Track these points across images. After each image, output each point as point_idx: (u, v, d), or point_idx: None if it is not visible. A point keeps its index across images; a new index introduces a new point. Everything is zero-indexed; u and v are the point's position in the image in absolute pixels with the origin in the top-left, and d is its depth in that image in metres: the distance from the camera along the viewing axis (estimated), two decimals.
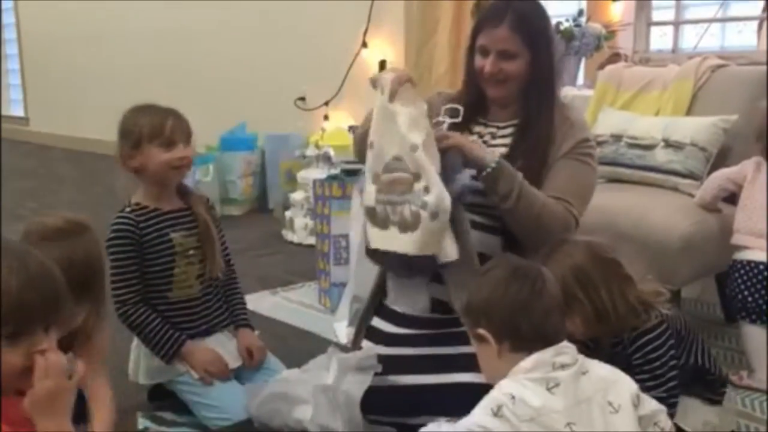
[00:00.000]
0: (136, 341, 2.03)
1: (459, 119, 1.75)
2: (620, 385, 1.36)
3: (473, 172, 1.70)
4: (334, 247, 2.88)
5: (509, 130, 1.90)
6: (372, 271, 2.00)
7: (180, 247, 1.98)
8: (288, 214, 4.06)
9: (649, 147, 2.61)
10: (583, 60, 3.66)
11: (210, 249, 2.02)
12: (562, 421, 1.27)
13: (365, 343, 1.96)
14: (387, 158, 1.68)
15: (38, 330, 1.11)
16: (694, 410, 1.73)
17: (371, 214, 1.71)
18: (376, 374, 1.81)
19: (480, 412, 1.29)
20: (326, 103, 4.77)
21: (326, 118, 4.77)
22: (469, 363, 1.74)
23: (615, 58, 3.54)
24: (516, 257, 1.51)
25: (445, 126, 1.73)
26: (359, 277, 2.48)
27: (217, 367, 1.98)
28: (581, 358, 1.36)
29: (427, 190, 1.62)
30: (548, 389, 1.29)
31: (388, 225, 1.69)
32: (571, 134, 1.83)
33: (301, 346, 2.47)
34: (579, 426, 1.27)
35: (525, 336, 1.34)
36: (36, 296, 1.09)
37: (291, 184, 4.34)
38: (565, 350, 1.34)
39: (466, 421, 1.31)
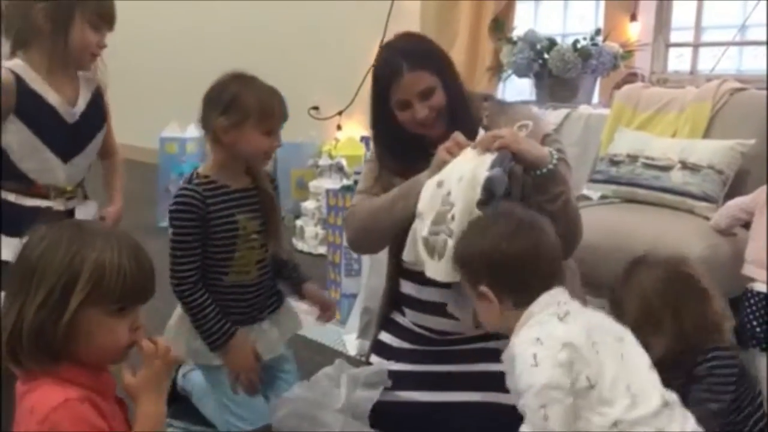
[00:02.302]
0: (174, 320, 1.95)
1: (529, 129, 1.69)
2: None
3: (499, 171, 1.58)
4: (345, 258, 2.88)
5: None
6: (383, 283, 2.00)
7: (244, 230, 1.88)
8: (299, 222, 4.06)
9: (666, 168, 2.60)
10: (599, 79, 3.66)
11: (274, 226, 1.95)
12: (586, 340, 1.28)
13: (373, 358, 1.95)
14: (444, 193, 1.65)
15: (138, 307, 1.17)
16: None
17: (425, 243, 1.67)
18: (386, 389, 1.80)
19: (522, 374, 1.28)
20: (340, 113, 4.78)
21: (339, 128, 4.78)
22: (480, 382, 1.74)
23: (631, 77, 3.54)
24: (518, 206, 1.51)
25: (524, 132, 1.66)
26: (370, 290, 2.48)
27: (249, 378, 1.92)
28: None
29: (453, 217, 1.59)
30: (561, 320, 1.32)
31: (434, 254, 1.66)
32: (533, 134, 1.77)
33: (310, 357, 2.46)
34: (599, 342, 1.29)
35: (529, 293, 1.36)
36: (140, 273, 1.14)
37: (302, 192, 4.34)
38: (562, 294, 1.38)
39: (524, 399, 1.28)
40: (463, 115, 1.80)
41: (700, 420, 1.52)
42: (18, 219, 1.61)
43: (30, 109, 1.70)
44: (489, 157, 1.58)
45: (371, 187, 1.89)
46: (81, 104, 1.79)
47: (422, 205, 1.66)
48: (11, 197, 1.73)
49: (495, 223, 1.43)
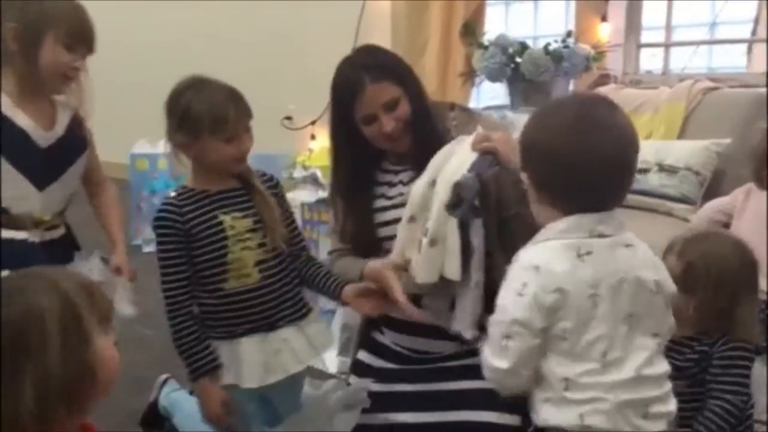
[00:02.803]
0: None
1: None
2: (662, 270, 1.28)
3: (470, 177, 1.51)
4: None
5: (409, 166, 1.79)
6: None
7: (232, 230, 1.74)
8: None
9: (643, 171, 2.59)
10: (572, 81, 3.65)
11: (268, 220, 1.78)
12: (587, 290, 1.18)
13: (353, 379, 1.90)
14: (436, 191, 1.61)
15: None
16: None
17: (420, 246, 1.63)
18: (368, 412, 1.75)
19: (507, 294, 1.22)
20: (313, 123, 4.72)
21: (313, 137, 4.72)
22: (465, 400, 1.70)
23: (604, 79, 3.54)
24: (599, 100, 1.31)
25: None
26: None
27: (219, 420, 1.77)
28: (629, 234, 1.24)
29: (428, 216, 1.56)
30: (578, 256, 1.19)
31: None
32: None
33: None
34: (604, 298, 1.19)
35: (570, 200, 1.21)
36: (95, 288, 1.11)
37: None
38: (608, 220, 1.22)
39: (494, 317, 1.24)
40: (428, 127, 1.75)
41: (716, 415, 1.55)
42: None
43: (1, 133, 1.61)
44: (472, 156, 1.53)
45: (344, 223, 1.85)
46: (58, 129, 1.69)
47: (413, 208, 1.60)
48: None
49: (557, 109, 1.27)
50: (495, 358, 1.23)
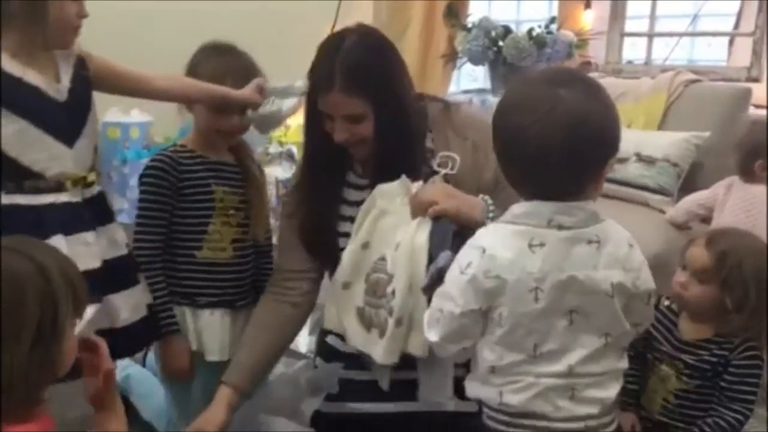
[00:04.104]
0: None
1: (455, 170, 1.54)
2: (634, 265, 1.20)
3: (448, 255, 1.39)
4: None
5: (368, 180, 1.69)
6: (328, 282, 1.91)
7: (220, 203, 1.75)
8: None
9: (622, 160, 2.58)
10: None
11: (258, 208, 1.81)
12: (530, 283, 1.13)
13: (319, 361, 1.87)
14: (375, 257, 1.54)
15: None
16: None
17: (360, 313, 1.57)
18: (334, 400, 1.72)
19: (452, 269, 1.21)
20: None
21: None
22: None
23: (586, 66, 3.53)
24: (582, 79, 1.18)
25: (438, 178, 1.52)
26: (321, 285, 2.40)
27: (179, 374, 1.78)
28: (602, 227, 1.17)
29: (393, 293, 1.47)
30: (530, 246, 1.13)
31: (371, 329, 1.55)
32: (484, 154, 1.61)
33: None
34: (547, 294, 1.14)
35: (524, 180, 1.15)
36: (78, 275, 1.10)
37: None
38: (570, 211, 1.14)
39: (439, 288, 1.23)
40: (399, 145, 1.59)
41: (729, 425, 1.56)
42: (35, 222, 1.47)
43: (13, 94, 1.49)
44: (426, 224, 1.44)
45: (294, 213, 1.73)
46: (65, 80, 1.56)
47: (347, 275, 1.55)
48: (20, 200, 1.51)
49: (522, 88, 1.19)
50: (429, 329, 1.23)
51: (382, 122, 1.56)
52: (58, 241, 1.47)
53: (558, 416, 1.17)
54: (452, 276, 1.19)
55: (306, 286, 1.74)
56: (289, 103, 1.70)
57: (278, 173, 3.60)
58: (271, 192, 3.70)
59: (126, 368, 2.03)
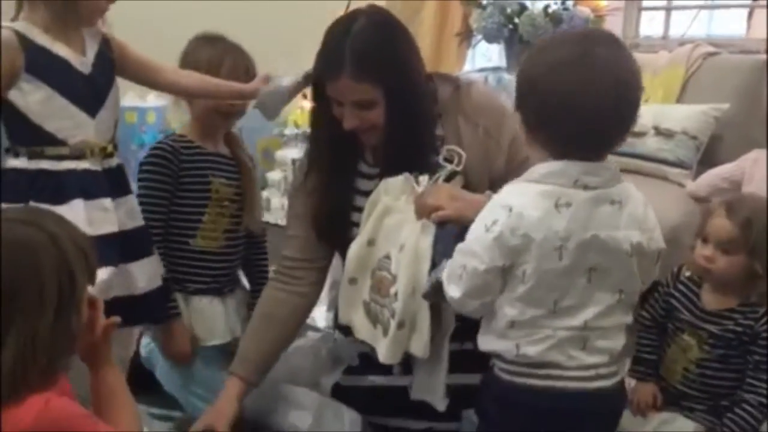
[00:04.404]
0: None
1: (461, 167, 1.50)
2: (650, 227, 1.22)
3: None
4: None
5: (378, 169, 1.66)
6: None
7: (216, 194, 1.82)
8: (265, 194, 3.97)
9: (640, 134, 2.57)
10: None
11: (251, 200, 1.88)
12: (556, 242, 1.14)
13: (338, 335, 1.88)
14: (381, 255, 1.53)
15: None
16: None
17: (367, 308, 1.58)
18: (353, 373, 1.73)
19: (476, 225, 1.20)
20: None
21: (305, 96, 4.65)
22: (451, 364, 1.66)
23: None
24: (600, 35, 1.22)
25: (441, 177, 1.49)
26: (339, 261, 2.41)
27: (181, 358, 1.84)
28: (622, 187, 1.18)
29: (396, 296, 1.47)
30: (556, 206, 1.14)
31: (377, 325, 1.56)
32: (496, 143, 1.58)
33: None
34: (570, 253, 1.15)
35: (557, 138, 1.14)
36: (88, 242, 1.11)
37: (268, 163, 4.24)
38: (597, 171, 1.15)
39: (461, 245, 1.23)
40: (410, 133, 1.55)
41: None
42: (56, 186, 1.52)
43: (42, 64, 1.54)
44: (430, 228, 1.43)
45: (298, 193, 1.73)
46: (90, 55, 1.62)
47: (353, 270, 1.54)
48: (44, 164, 1.56)
49: (561, 44, 1.17)
50: (450, 285, 1.24)
51: (393, 108, 1.52)
52: (76, 205, 1.52)
53: (571, 365, 1.20)
54: (477, 233, 1.20)
55: (314, 276, 1.73)
56: (288, 80, 1.71)
57: (294, 154, 3.61)
58: (287, 173, 3.71)
59: (149, 343, 2.05)
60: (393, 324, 1.47)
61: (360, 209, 1.61)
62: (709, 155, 2.47)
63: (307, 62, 1.69)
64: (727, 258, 1.61)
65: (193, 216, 1.81)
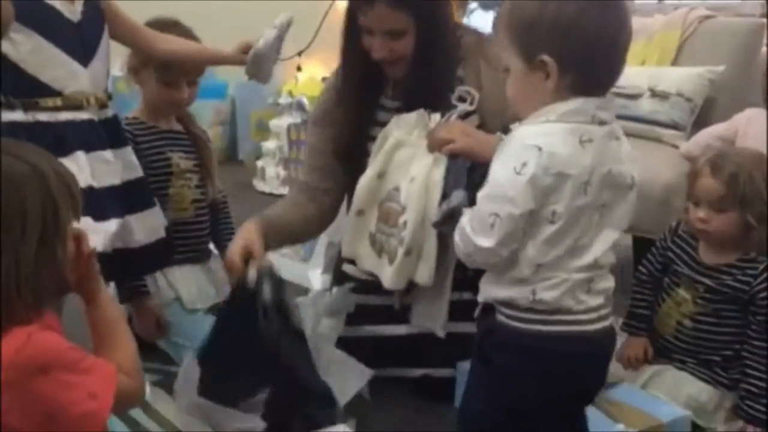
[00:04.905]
0: None
1: (473, 106, 1.53)
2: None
3: (462, 195, 1.40)
4: None
5: (399, 103, 1.73)
6: (346, 217, 1.94)
7: (177, 168, 1.92)
8: (259, 163, 3.97)
9: (635, 96, 2.57)
10: None
11: (209, 170, 2.00)
12: (584, 177, 1.15)
13: (334, 288, 1.90)
14: (390, 187, 1.58)
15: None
16: (682, 382, 1.72)
17: (372, 239, 1.62)
18: (353, 324, 1.75)
19: (502, 169, 1.16)
20: (299, 54, 4.62)
21: (299, 68, 4.60)
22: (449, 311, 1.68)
23: None
24: None
25: (454, 115, 1.52)
26: (334, 224, 2.42)
27: (149, 336, 1.89)
28: (617, 125, 1.22)
29: (405, 225, 1.52)
30: (581, 142, 1.15)
31: (382, 254, 1.60)
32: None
33: None
34: (593, 187, 1.17)
35: (591, 79, 1.16)
36: (71, 176, 1.11)
37: (262, 134, 4.23)
38: (607, 105, 1.19)
39: (485, 190, 1.19)
40: (434, 68, 1.63)
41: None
42: (55, 138, 1.51)
43: (32, 13, 1.52)
44: (442, 160, 1.47)
45: (322, 119, 1.80)
46: (78, 5, 1.60)
47: (361, 202, 1.60)
48: (41, 116, 1.54)
49: None
50: (479, 236, 1.18)
51: (421, 40, 1.60)
52: (78, 158, 1.52)
53: (579, 309, 1.20)
54: (505, 177, 1.15)
55: (329, 202, 1.82)
56: (267, 36, 1.73)
57: (289, 122, 3.60)
58: (283, 141, 3.71)
59: None
60: (401, 251, 1.51)
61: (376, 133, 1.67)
62: (704, 117, 2.47)
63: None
64: (722, 216, 1.63)
65: (159, 192, 1.87)
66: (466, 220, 1.23)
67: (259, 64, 1.76)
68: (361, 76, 1.71)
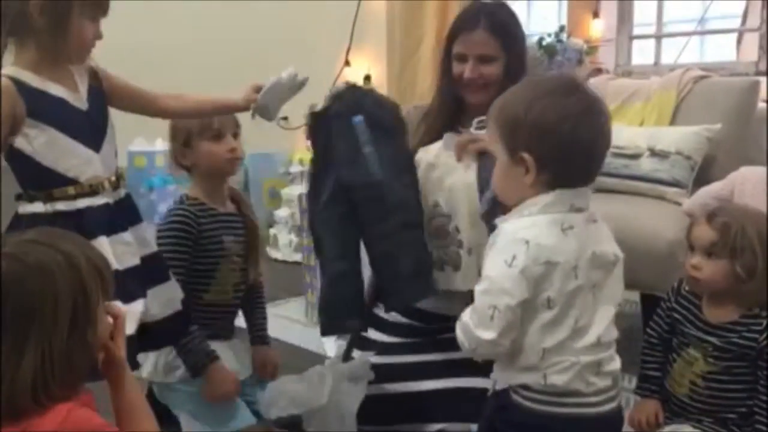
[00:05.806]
0: None
1: None
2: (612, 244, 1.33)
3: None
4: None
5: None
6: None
7: (227, 252, 1.93)
8: (272, 231, 4.03)
9: (635, 156, 2.62)
10: None
11: (254, 255, 2.01)
12: (572, 262, 1.24)
13: (356, 353, 1.94)
14: (430, 205, 1.73)
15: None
16: None
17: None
18: (369, 383, 1.78)
19: (495, 265, 1.24)
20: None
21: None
22: (461, 368, 1.72)
23: (597, 72, 3.58)
24: (584, 83, 1.45)
25: (473, 128, 1.71)
26: None
27: (227, 397, 1.89)
28: (592, 209, 1.30)
29: (457, 229, 1.66)
30: (563, 230, 1.25)
31: (445, 267, 1.72)
32: None
33: (288, 361, 2.41)
34: (582, 270, 1.24)
35: (568, 179, 1.25)
36: (103, 259, 1.17)
37: (274, 202, 4.31)
38: (583, 194, 1.28)
39: (481, 285, 1.27)
40: None
41: None
42: (77, 225, 1.52)
43: (42, 108, 1.55)
44: (471, 165, 1.64)
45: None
46: (82, 90, 1.64)
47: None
48: (60, 206, 1.56)
49: (566, 95, 1.27)
50: (480, 329, 1.25)
51: (508, 69, 1.80)
52: (102, 243, 1.53)
53: (589, 391, 1.27)
54: (499, 271, 1.24)
55: None
56: (283, 75, 1.79)
57: (300, 190, 3.67)
58: (295, 209, 3.78)
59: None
60: (463, 253, 1.66)
61: None
62: (705, 174, 2.51)
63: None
64: (712, 263, 1.64)
65: (207, 273, 1.90)
66: (467, 315, 1.29)
67: (272, 99, 1.79)
68: (448, 103, 1.89)
